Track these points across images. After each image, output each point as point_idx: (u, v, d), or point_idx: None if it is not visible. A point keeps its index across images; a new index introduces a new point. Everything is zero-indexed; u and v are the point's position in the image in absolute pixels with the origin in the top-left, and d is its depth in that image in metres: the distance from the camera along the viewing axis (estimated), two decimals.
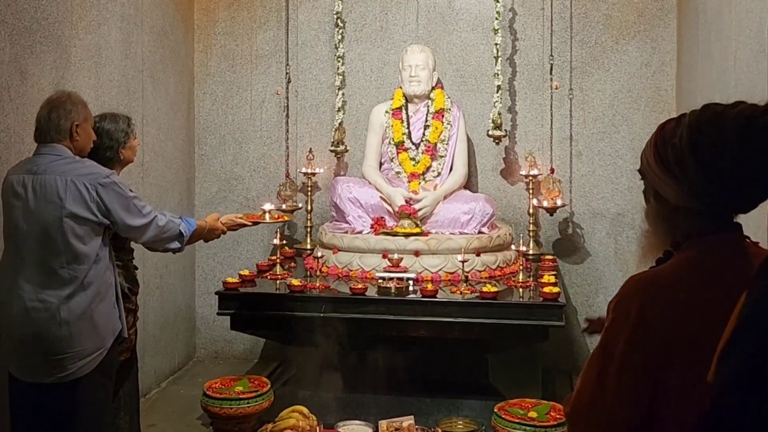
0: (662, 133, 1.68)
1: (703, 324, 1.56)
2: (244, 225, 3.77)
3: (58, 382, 2.97)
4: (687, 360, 1.56)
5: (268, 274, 4.84)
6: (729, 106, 1.60)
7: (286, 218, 4.24)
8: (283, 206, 5.58)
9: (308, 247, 5.54)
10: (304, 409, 3.55)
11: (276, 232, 5.02)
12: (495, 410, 3.81)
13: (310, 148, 5.72)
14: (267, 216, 3.78)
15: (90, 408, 3.05)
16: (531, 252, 5.24)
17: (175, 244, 3.31)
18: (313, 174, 5.65)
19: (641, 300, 1.60)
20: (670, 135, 1.65)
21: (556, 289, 4.17)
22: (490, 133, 5.33)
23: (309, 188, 5.66)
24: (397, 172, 5.24)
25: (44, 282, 2.97)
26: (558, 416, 3.76)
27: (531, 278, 4.64)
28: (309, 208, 5.64)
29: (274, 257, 5.03)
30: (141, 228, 3.15)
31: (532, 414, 3.75)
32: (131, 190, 3.20)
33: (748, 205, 1.65)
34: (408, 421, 3.44)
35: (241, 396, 4.01)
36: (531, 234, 5.38)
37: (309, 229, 5.65)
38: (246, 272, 4.70)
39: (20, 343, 3.01)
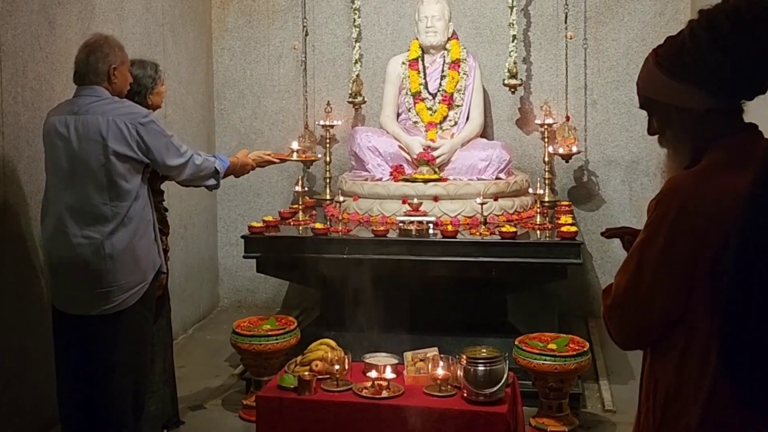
0: (663, 52, 1.76)
1: (734, 217, 1.64)
2: (272, 162, 3.90)
3: (104, 314, 3.10)
4: (720, 251, 1.64)
5: (291, 220, 4.97)
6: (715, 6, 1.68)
7: (313, 157, 4.35)
8: (303, 156, 5.69)
9: (328, 197, 5.65)
10: (332, 342, 3.67)
11: (298, 180, 5.13)
12: (516, 343, 3.95)
13: (328, 101, 5.81)
14: (294, 155, 3.89)
15: (133, 338, 3.20)
16: (547, 199, 5.34)
17: (212, 181, 3.45)
18: (331, 126, 5.75)
19: (682, 195, 1.68)
20: (677, 45, 1.73)
21: (573, 228, 4.29)
22: (506, 82, 5.41)
23: (327, 140, 5.76)
24: (415, 122, 5.33)
25: (88, 219, 3.09)
26: (577, 347, 3.89)
27: (548, 222, 4.74)
28: (328, 159, 5.75)
29: (296, 206, 5.15)
30: (179, 167, 3.28)
31: (552, 346, 3.88)
32: (168, 131, 3.31)
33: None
34: (432, 352, 3.56)
35: (269, 333, 4.16)
36: (547, 181, 5.47)
37: (328, 180, 5.75)
38: (270, 218, 4.83)
39: (67, 278, 3.14)
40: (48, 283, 3.38)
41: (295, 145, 4.00)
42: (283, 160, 3.98)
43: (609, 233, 2.09)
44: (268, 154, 3.90)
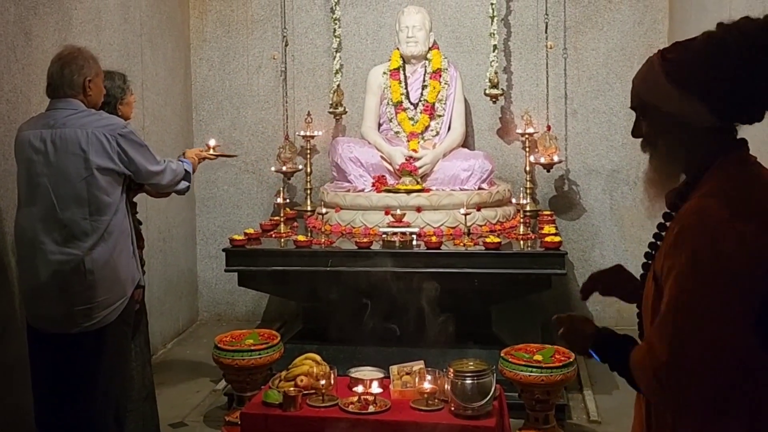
0: (673, 58, 1.68)
1: None
2: (206, 157, 3.86)
3: (84, 331, 3.04)
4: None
5: (272, 232, 4.92)
6: (735, 21, 1.64)
7: (229, 155, 4.34)
8: (284, 168, 5.65)
9: (308, 208, 5.60)
10: (317, 357, 3.62)
11: (278, 192, 5.08)
12: (501, 355, 3.92)
13: (308, 112, 5.77)
14: (211, 151, 3.89)
15: (114, 355, 3.14)
16: (529, 208, 5.33)
17: (184, 184, 3.48)
18: (312, 137, 5.70)
19: (732, 226, 1.52)
20: (689, 55, 1.65)
21: (557, 238, 4.28)
22: (487, 92, 5.41)
23: (308, 151, 5.71)
24: (396, 132, 5.31)
25: (67, 235, 3.02)
26: (563, 358, 3.87)
27: (531, 231, 4.73)
28: (308, 170, 5.70)
29: (277, 217, 5.10)
30: (160, 173, 3.28)
31: (538, 357, 3.86)
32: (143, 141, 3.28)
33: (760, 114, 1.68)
34: (418, 365, 3.53)
35: (252, 348, 4.10)
36: (528, 191, 5.47)
37: (309, 191, 5.71)
38: (251, 230, 4.78)
39: (45, 296, 3.06)
40: (22, 301, 3.30)
41: (212, 142, 3.98)
42: (207, 155, 3.91)
43: (586, 292, 1.95)
44: (199, 152, 3.86)
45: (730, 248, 1.51)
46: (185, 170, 3.47)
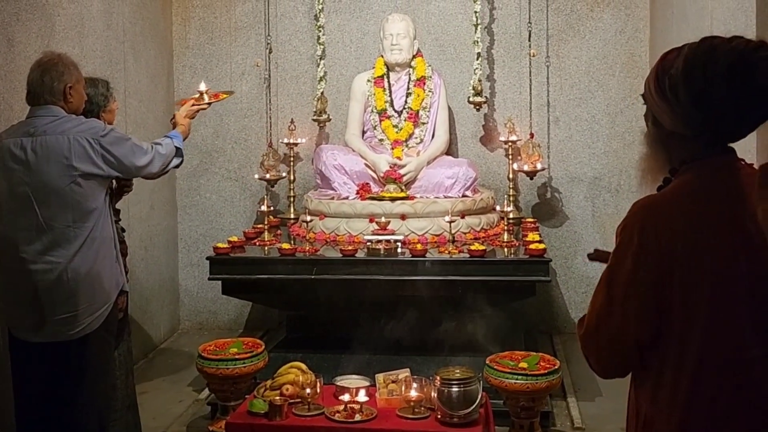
0: (663, 63, 1.75)
1: (700, 241, 1.66)
2: (200, 108, 3.69)
3: (68, 339, 3.00)
4: (687, 276, 1.66)
5: (256, 240, 4.90)
6: (726, 39, 1.68)
7: (223, 96, 4.08)
8: (267, 176, 5.63)
9: (292, 216, 5.59)
10: (302, 365, 3.60)
11: (262, 199, 5.06)
12: (487, 362, 3.92)
13: (292, 119, 5.76)
14: (205, 96, 3.73)
15: (98, 364, 3.10)
16: (512, 216, 5.34)
17: (177, 161, 3.39)
18: (295, 144, 5.69)
19: (643, 221, 1.70)
20: (669, 65, 1.73)
21: (542, 246, 4.30)
22: (470, 99, 5.42)
23: (291, 158, 5.70)
24: (380, 140, 5.31)
25: (50, 242, 2.98)
26: (548, 366, 3.88)
27: (515, 239, 4.75)
28: (292, 177, 5.69)
29: (260, 225, 5.08)
30: (149, 164, 3.22)
31: (523, 364, 3.87)
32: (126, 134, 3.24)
33: (736, 136, 1.75)
34: (404, 373, 3.52)
35: (236, 357, 4.07)
36: (511, 198, 5.48)
37: (292, 199, 5.69)
38: (235, 238, 4.75)
39: (27, 305, 3.02)
40: (4, 310, 3.25)
41: (202, 86, 3.79)
42: (200, 106, 3.76)
43: (594, 255, 2.05)
44: (189, 104, 3.66)
45: (634, 239, 1.68)
46: (175, 147, 3.36)
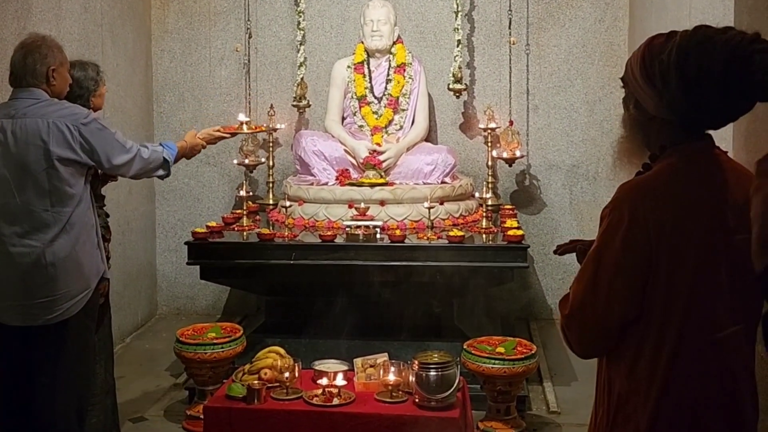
0: (650, 47, 1.77)
1: (686, 223, 1.70)
2: (223, 137, 3.78)
3: (46, 324, 2.98)
4: (672, 256, 1.70)
5: (235, 225, 4.89)
6: (719, 30, 1.69)
7: (263, 128, 4.26)
8: (246, 161, 5.61)
9: (271, 202, 5.58)
10: (281, 350, 3.61)
11: (241, 184, 5.05)
12: (464, 347, 3.95)
13: (271, 104, 5.74)
14: (245, 126, 3.79)
15: (77, 349, 3.08)
16: (491, 202, 5.37)
17: (161, 172, 3.33)
18: (275, 130, 5.68)
19: (633, 202, 1.73)
20: (658, 50, 1.74)
21: (519, 232, 4.33)
22: (450, 86, 5.44)
23: (270, 144, 5.69)
24: (360, 126, 5.31)
25: (27, 226, 2.96)
26: (525, 351, 3.92)
27: (493, 225, 4.78)
28: (271, 163, 5.68)
29: (239, 210, 5.07)
30: (127, 163, 3.17)
31: (500, 349, 3.90)
32: (111, 128, 3.19)
33: (720, 123, 1.79)
34: (382, 358, 3.55)
35: (215, 341, 4.07)
36: (489, 185, 5.51)
37: (271, 185, 5.68)
38: (213, 224, 4.74)
39: (6, 289, 2.99)
40: None
41: (242, 117, 3.87)
42: (233, 134, 3.83)
43: (562, 250, 2.08)
44: (218, 130, 3.77)
45: (623, 220, 1.71)
46: (164, 158, 3.30)
